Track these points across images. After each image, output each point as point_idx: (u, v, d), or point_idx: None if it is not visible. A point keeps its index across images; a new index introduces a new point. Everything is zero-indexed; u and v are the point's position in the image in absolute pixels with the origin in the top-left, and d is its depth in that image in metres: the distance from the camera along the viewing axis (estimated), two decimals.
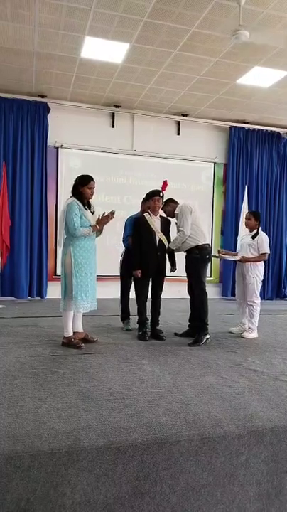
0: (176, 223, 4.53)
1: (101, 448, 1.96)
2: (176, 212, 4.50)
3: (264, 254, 4.69)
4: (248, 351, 4.00)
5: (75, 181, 3.92)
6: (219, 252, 5.07)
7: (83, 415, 2.28)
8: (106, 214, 3.92)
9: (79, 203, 3.84)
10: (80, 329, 4.08)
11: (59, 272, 7.56)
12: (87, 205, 3.95)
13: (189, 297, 4.63)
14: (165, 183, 4.68)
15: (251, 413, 2.41)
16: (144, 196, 4.66)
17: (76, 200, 3.84)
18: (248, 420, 2.31)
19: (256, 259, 4.69)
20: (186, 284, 4.65)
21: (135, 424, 2.19)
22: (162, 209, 4.56)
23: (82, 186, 3.87)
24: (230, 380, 3.02)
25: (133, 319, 4.78)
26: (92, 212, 3.98)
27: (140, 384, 2.87)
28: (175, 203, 4.57)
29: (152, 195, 4.43)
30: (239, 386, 2.90)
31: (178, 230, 4.44)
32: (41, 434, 2.03)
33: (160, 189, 4.53)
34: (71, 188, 3.95)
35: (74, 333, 4.00)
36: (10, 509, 1.79)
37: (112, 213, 3.95)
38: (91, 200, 4.03)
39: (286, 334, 4.97)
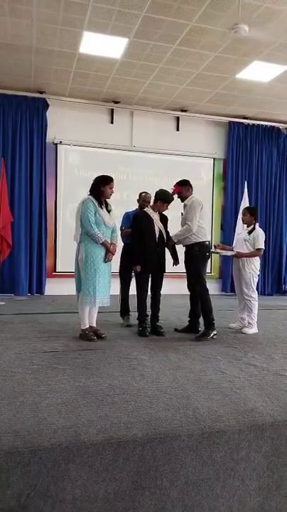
0: (181, 213, 4.52)
1: (102, 443, 1.96)
2: (186, 203, 4.50)
3: (259, 249, 4.69)
4: (248, 346, 4.00)
5: (95, 180, 4.07)
6: (215, 246, 5.07)
7: (83, 411, 2.28)
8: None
9: (95, 201, 3.98)
10: (93, 323, 4.20)
11: (59, 268, 7.68)
12: (105, 203, 4.10)
13: (189, 293, 4.63)
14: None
15: (251, 408, 2.41)
16: (156, 196, 4.52)
17: (91, 198, 3.99)
18: (249, 415, 2.31)
19: (251, 255, 4.69)
20: (185, 279, 4.65)
21: (135, 420, 2.19)
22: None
23: (104, 185, 4.03)
24: (230, 375, 3.03)
25: (133, 315, 4.78)
26: (109, 211, 4.11)
27: (140, 379, 2.87)
28: (190, 189, 4.56)
29: (168, 201, 4.42)
30: (239, 381, 2.90)
31: (184, 223, 4.43)
32: (41, 429, 2.03)
33: (171, 193, 4.49)
34: (88, 187, 4.09)
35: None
36: (10, 504, 1.79)
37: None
38: (109, 200, 4.16)
39: (286, 330, 4.97)
